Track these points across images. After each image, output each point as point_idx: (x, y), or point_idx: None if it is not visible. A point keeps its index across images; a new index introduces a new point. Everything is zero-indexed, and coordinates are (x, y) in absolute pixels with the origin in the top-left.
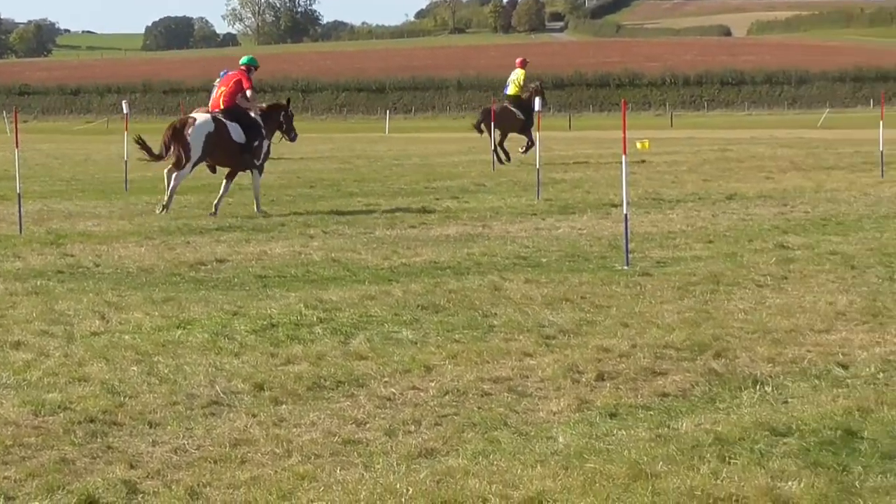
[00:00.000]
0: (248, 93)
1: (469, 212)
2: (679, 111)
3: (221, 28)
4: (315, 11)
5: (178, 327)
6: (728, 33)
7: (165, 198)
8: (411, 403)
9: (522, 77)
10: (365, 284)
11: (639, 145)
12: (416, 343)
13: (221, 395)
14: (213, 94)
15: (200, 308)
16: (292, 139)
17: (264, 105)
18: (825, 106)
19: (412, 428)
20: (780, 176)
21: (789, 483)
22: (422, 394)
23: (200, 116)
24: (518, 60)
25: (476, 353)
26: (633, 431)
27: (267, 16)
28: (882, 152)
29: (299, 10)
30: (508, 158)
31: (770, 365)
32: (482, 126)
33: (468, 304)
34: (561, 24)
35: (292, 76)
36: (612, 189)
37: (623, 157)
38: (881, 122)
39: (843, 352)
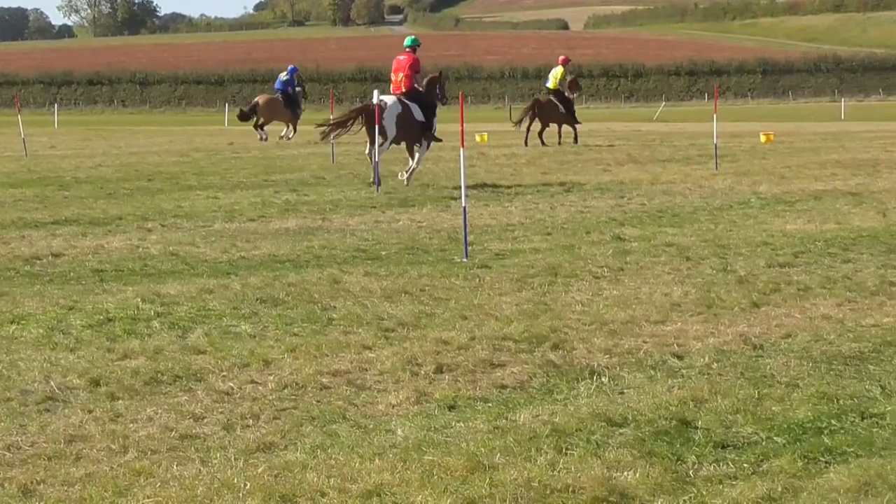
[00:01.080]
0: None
1: (309, 205)
2: (518, 104)
3: (57, 19)
4: (152, 3)
5: (11, 322)
6: (566, 27)
7: (372, 176)
8: (250, 397)
9: (561, 74)
10: (203, 278)
11: (478, 138)
12: (254, 337)
13: (56, 390)
14: (393, 79)
15: (35, 303)
16: (445, 103)
17: (424, 82)
18: (661, 99)
19: (250, 422)
20: (617, 168)
21: (625, 473)
22: (260, 388)
23: (389, 100)
24: (560, 59)
25: (315, 347)
26: (471, 423)
27: (103, 7)
28: (716, 145)
29: (136, 1)
30: (543, 143)
31: (607, 356)
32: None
33: (307, 298)
34: (400, 17)
35: (130, 68)
36: (452, 182)
37: (461, 149)
38: (714, 116)
39: (679, 342)
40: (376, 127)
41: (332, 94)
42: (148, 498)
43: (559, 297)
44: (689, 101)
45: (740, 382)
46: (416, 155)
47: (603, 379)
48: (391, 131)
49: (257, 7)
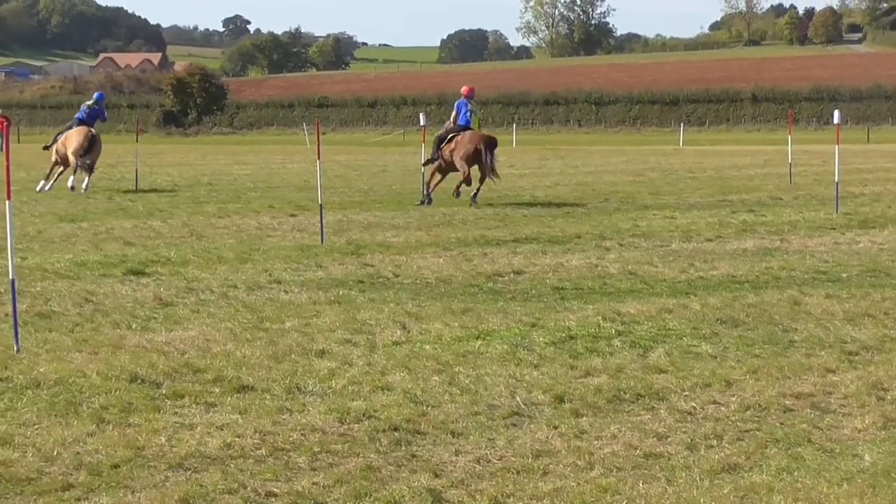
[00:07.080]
0: None
1: (766, 225)
2: None
3: (515, 41)
4: (608, 24)
5: (477, 338)
6: None
7: None
8: (712, 418)
9: None
10: (662, 297)
11: None
12: (715, 357)
13: (522, 406)
14: None
15: (499, 319)
16: None
17: None
18: None
19: (714, 442)
20: None
21: None
22: (722, 408)
23: None
24: None
25: (777, 369)
26: None
27: (561, 28)
28: None
29: (593, 22)
30: None
31: None
32: None
33: (767, 319)
34: (859, 35)
35: (585, 89)
36: None
37: None
38: None
39: None
40: None
41: (790, 114)
42: None
43: None
44: None
45: None
46: None
47: None
48: None
49: (713, 27)
